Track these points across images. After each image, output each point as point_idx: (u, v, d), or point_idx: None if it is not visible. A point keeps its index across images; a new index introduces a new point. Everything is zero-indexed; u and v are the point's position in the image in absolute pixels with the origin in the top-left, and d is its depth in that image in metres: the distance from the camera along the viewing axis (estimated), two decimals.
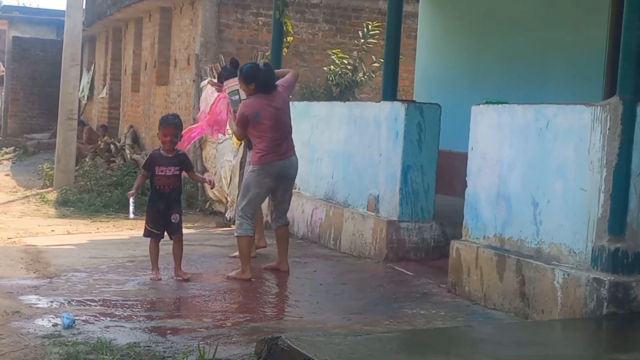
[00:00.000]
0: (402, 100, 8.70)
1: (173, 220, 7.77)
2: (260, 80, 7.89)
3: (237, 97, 8.40)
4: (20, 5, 55.32)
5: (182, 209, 8.04)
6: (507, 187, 6.71)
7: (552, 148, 6.24)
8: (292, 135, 8.25)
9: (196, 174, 8.13)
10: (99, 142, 21.70)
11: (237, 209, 8.07)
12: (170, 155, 7.80)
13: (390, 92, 8.89)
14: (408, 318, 6.42)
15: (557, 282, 5.96)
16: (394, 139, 8.54)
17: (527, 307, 6.26)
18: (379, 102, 8.98)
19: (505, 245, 6.67)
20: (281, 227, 8.24)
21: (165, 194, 7.77)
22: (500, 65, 10.69)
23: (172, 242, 7.92)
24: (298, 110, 10.82)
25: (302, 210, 10.32)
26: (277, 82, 8.12)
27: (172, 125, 7.82)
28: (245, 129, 7.95)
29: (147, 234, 7.91)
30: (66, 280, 7.58)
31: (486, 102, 7.18)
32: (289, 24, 11.83)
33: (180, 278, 7.71)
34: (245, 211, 7.92)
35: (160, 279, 7.66)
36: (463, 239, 7.23)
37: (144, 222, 7.99)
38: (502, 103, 7.04)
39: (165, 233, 7.88)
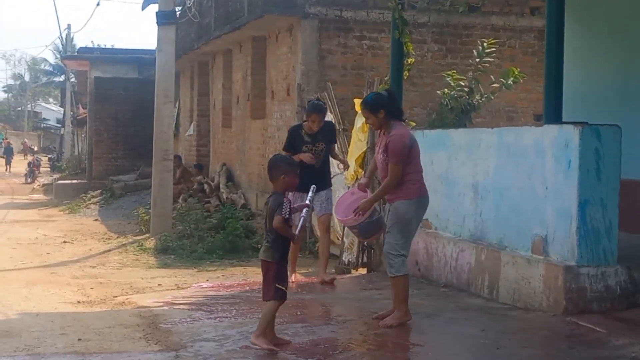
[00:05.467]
0: (574, 123, 7.34)
1: None
2: (388, 105, 7.18)
3: None
4: (96, 46, 55.36)
5: None
6: None
7: None
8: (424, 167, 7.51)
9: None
10: (193, 182, 20.68)
11: (391, 248, 7.13)
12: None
13: (553, 114, 7.58)
14: None
15: None
16: (564, 168, 7.22)
17: None
18: (541, 125, 7.68)
19: None
20: None
21: None
22: None
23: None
24: (429, 139, 9.61)
25: (442, 253, 9.04)
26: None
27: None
28: (405, 161, 7.07)
29: (282, 295, 6.42)
30: (195, 353, 6.36)
31: None
32: (409, 44, 10.72)
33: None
34: (405, 249, 7.15)
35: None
36: None
37: (254, 269, 6.76)
38: None
39: None
